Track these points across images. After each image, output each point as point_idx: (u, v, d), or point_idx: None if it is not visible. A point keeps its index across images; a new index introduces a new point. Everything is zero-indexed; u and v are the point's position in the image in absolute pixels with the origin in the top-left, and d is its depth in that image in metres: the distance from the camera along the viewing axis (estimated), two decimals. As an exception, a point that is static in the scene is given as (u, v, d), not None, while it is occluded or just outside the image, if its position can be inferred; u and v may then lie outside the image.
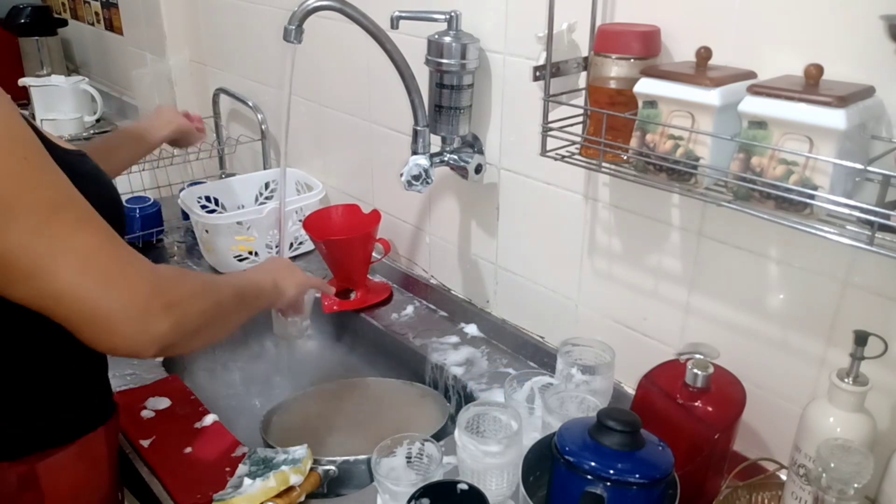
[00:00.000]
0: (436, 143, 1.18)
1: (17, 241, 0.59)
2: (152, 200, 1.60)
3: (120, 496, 0.92)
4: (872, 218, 0.65)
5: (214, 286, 0.78)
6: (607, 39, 0.88)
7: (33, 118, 2.22)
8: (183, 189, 1.64)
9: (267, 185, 1.67)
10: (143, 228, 1.57)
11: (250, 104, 1.73)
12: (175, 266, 0.77)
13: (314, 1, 1.02)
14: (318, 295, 1.39)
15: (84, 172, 0.72)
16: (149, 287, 0.66)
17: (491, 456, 0.85)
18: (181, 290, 0.70)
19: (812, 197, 0.68)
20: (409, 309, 1.38)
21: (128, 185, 1.65)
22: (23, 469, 0.75)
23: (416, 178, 1.11)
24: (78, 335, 0.64)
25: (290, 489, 0.89)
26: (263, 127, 1.73)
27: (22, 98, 2.35)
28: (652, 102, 0.80)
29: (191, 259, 1.56)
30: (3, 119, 0.59)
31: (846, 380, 0.74)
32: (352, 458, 0.97)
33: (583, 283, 1.11)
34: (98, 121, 2.35)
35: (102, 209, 0.66)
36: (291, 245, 1.55)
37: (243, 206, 1.61)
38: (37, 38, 2.54)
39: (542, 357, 1.19)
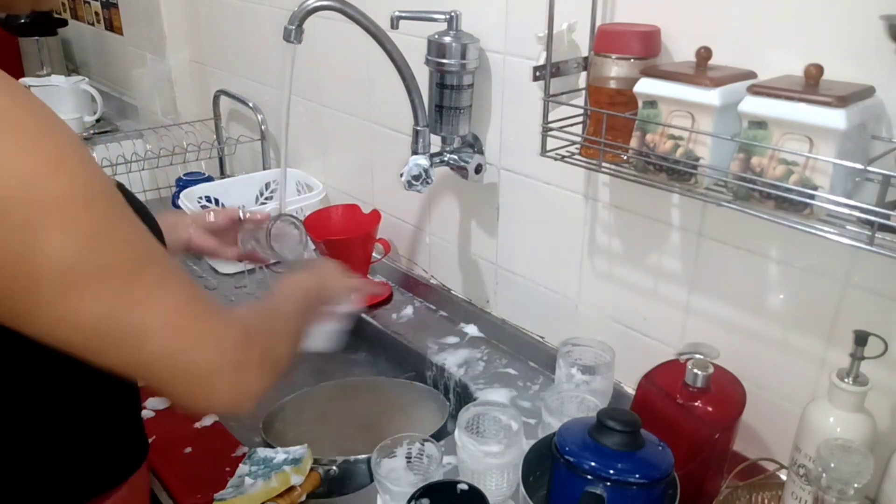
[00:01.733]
0: (436, 143, 1.18)
1: (103, 309, 0.53)
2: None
3: None
4: (872, 218, 0.65)
5: (292, 320, 0.76)
6: (607, 39, 0.88)
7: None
8: (179, 179, 1.64)
9: (267, 186, 1.67)
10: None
11: (250, 104, 1.73)
12: (251, 308, 0.75)
13: (314, 1, 1.02)
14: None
15: (128, 200, 0.66)
16: (242, 339, 0.62)
17: (491, 456, 0.85)
18: (271, 337, 0.68)
19: (812, 197, 0.68)
20: (409, 309, 1.38)
21: (127, 185, 1.65)
22: None
23: (416, 178, 1.11)
24: (173, 398, 0.62)
25: (290, 489, 0.89)
26: (263, 127, 1.73)
27: (22, 98, 2.35)
28: (652, 102, 0.80)
29: (191, 259, 1.56)
30: (79, 167, 0.52)
31: (846, 380, 0.74)
32: (352, 458, 0.97)
33: (583, 283, 1.11)
34: (98, 121, 2.35)
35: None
36: (291, 245, 1.55)
37: (244, 207, 1.61)
38: (37, 38, 2.54)
39: (542, 357, 1.19)
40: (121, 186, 0.66)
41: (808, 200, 0.69)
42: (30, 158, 0.49)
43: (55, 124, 0.52)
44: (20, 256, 0.50)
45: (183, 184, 1.61)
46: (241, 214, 1.09)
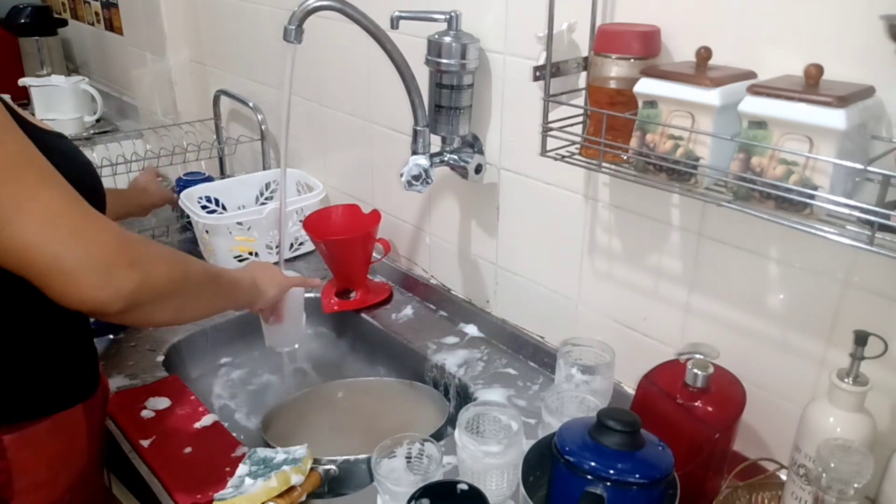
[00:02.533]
0: (436, 143, 1.18)
1: None
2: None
3: (106, 478, 0.92)
4: (872, 218, 0.65)
5: (184, 258, 0.80)
6: (607, 39, 0.88)
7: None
8: (179, 179, 1.64)
9: (268, 186, 1.67)
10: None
11: (250, 104, 1.73)
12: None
13: (314, 1, 1.02)
14: (319, 294, 1.39)
15: (60, 150, 0.73)
16: (114, 242, 0.68)
17: (491, 456, 0.85)
18: (147, 250, 0.72)
19: (812, 197, 0.68)
20: (409, 309, 1.38)
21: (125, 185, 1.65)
22: None
23: (416, 178, 1.11)
24: (45, 290, 0.66)
25: (291, 489, 0.89)
26: (263, 127, 1.73)
27: (22, 98, 2.35)
28: (652, 102, 0.80)
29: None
30: None
31: (846, 380, 0.74)
32: (352, 457, 0.97)
33: (583, 283, 1.11)
34: (98, 121, 2.35)
35: (79, 187, 0.68)
36: (291, 245, 1.56)
37: (244, 207, 1.62)
38: (37, 38, 2.54)
39: (542, 357, 1.19)
40: (60, 133, 0.77)
41: (808, 200, 0.69)
42: None
43: None
44: None
45: (183, 184, 1.61)
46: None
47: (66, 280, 0.65)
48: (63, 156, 0.70)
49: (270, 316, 1.13)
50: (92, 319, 0.88)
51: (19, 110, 0.73)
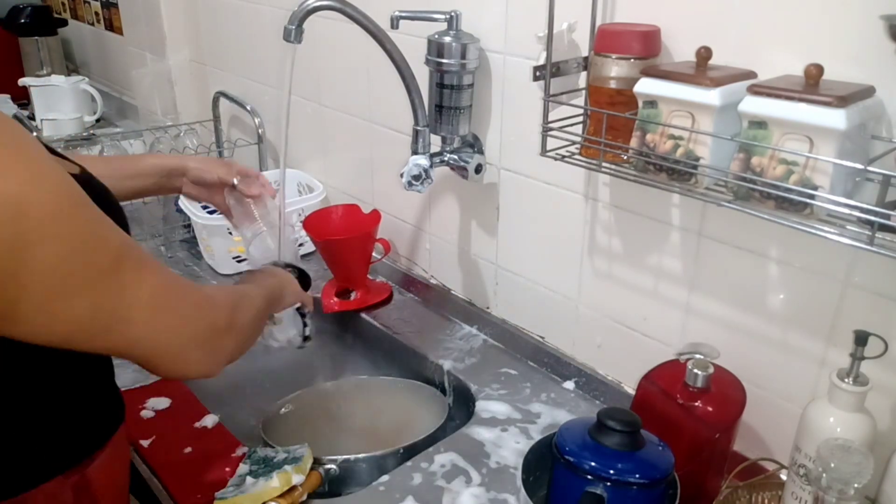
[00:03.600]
0: (436, 143, 1.18)
1: (94, 303, 0.59)
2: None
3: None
4: (872, 218, 0.65)
5: (250, 298, 0.82)
6: (607, 39, 0.88)
7: (33, 118, 2.22)
8: None
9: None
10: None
11: (248, 108, 1.73)
12: (219, 286, 0.83)
13: (314, 1, 1.02)
14: (319, 295, 1.39)
15: (97, 191, 0.70)
16: (212, 316, 0.70)
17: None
18: (236, 311, 0.75)
19: (812, 197, 0.68)
20: (409, 309, 1.38)
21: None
22: (75, 478, 0.73)
23: (417, 178, 1.11)
24: (149, 369, 0.67)
25: (292, 489, 0.89)
26: (261, 131, 1.73)
27: (22, 98, 2.35)
28: (652, 102, 0.80)
29: (192, 259, 1.57)
30: (57, 180, 0.56)
31: (846, 380, 0.74)
32: (352, 457, 0.97)
33: (583, 283, 1.11)
34: (98, 121, 2.35)
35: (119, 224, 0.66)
36: (291, 245, 1.55)
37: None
38: (37, 38, 2.54)
39: (542, 357, 1.19)
40: (86, 172, 0.72)
41: (808, 200, 0.69)
42: (11, 177, 0.52)
43: (25, 139, 0.56)
44: (9, 273, 0.53)
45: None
46: (235, 181, 1.14)
47: (173, 360, 0.67)
48: (100, 196, 0.66)
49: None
50: None
51: (50, 146, 0.68)
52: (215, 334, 0.70)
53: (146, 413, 1.05)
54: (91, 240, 0.58)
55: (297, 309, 1.10)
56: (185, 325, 0.67)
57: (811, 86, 0.70)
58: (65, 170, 0.58)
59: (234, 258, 1.47)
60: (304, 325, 1.12)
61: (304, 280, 1.07)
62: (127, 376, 1.15)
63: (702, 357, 0.84)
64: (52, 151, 0.69)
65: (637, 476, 0.72)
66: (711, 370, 0.84)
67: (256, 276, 0.97)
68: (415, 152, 1.14)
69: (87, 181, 0.72)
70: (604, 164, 0.88)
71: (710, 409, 0.83)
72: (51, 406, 0.71)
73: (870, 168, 0.66)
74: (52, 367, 0.71)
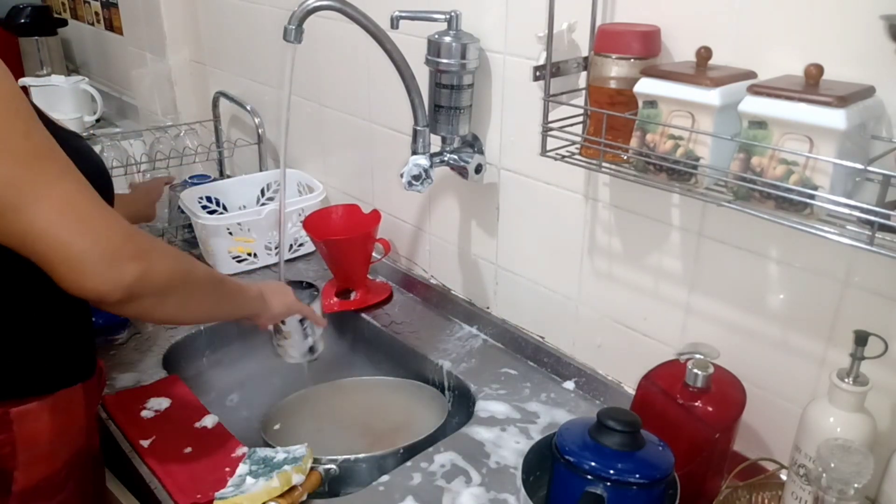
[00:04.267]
0: (436, 143, 1.18)
1: (4, 176, 0.65)
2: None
3: (101, 465, 0.96)
4: (872, 218, 0.65)
5: (188, 257, 0.83)
6: (607, 39, 0.88)
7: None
8: (186, 181, 1.64)
9: (269, 186, 1.67)
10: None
11: (248, 108, 1.73)
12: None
13: (314, 1, 1.02)
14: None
15: (76, 148, 0.75)
16: (121, 234, 0.71)
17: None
18: (153, 245, 0.75)
19: (812, 197, 0.68)
20: (409, 309, 1.38)
21: (125, 186, 1.65)
22: None
23: (417, 178, 1.11)
24: (51, 275, 0.69)
25: (292, 488, 0.89)
26: (260, 131, 1.73)
27: (22, 98, 2.34)
28: (652, 102, 0.80)
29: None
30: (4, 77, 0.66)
31: (846, 380, 0.74)
32: (352, 457, 0.97)
33: (583, 283, 1.11)
34: (98, 121, 2.35)
35: (92, 183, 0.71)
36: (291, 246, 1.55)
37: (245, 207, 1.61)
38: (37, 38, 2.54)
39: (542, 357, 1.19)
40: (76, 133, 0.79)
41: (808, 200, 0.69)
42: None
43: None
44: None
45: (189, 187, 1.61)
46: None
47: (72, 267, 0.68)
48: (78, 153, 0.72)
49: (269, 327, 1.12)
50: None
51: (39, 108, 0.75)
52: (118, 256, 0.70)
53: (146, 413, 1.05)
54: (16, 126, 0.66)
55: (300, 321, 1.10)
56: (91, 230, 0.68)
57: (811, 86, 0.70)
58: (15, 83, 0.68)
59: (233, 258, 1.47)
60: (306, 335, 1.12)
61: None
62: (128, 377, 1.15)
63: (702, 357, 0.84)
64: (46, 119, 0.75)
65: (637, 476, 0.72)
66: (711, 370, 0.84)
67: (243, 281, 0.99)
68: (415, 152, 1.14)
69: (74, 136, 0.79)
70: (604, 164, 0.88)
71: (710, 409, 0.83)
72: (17, 338, 0.77)
73: (870, 168, 0.66)
74: (9, 298, 0.77)
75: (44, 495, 0.85)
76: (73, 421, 0.88)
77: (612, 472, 0.72)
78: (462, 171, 1.20)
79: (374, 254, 1.40)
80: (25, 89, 2.25)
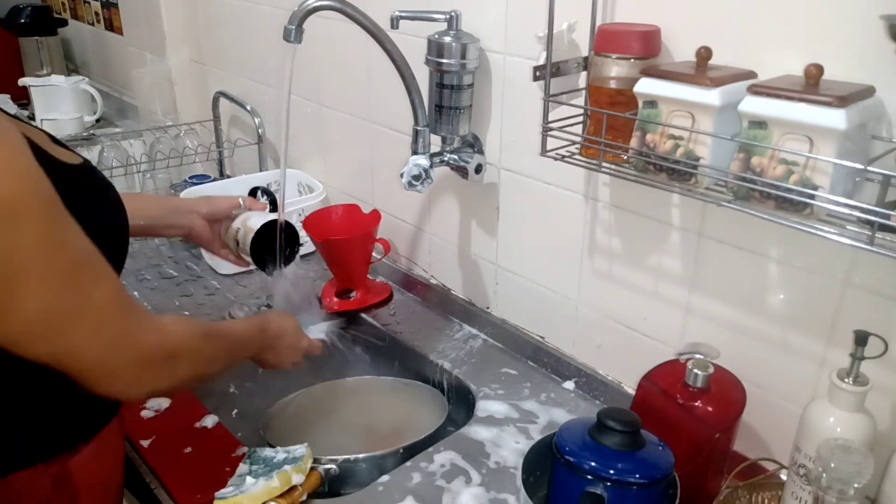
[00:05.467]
0: (436, 143, 1.18)
1: (40, 307, 0.60)
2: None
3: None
4: (872, 218, 0.65)
5: (210, 341, 0.82)
6: (607, 39, 0.88)
7: (33, 118, 2.22)
8: (185, 181, 1.64)
9: (269, 186, 1.66)
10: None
11: (248, 108, 1.73)
12: (179, 317, 0.83)
13: (314, 1, 1.02)
14: (320, 295, 1.39)
15: (87, 186, 0.72)
16: (153, 342, 0.70)
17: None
18: (180, 344, 0.75)
19: (812, 197, 0.68)
20: (409, 309, 1.38)
21: (127, 188, 1.65)
22: (55, 469, 0.75)
23: (417, 178, 1.11)
24: (84, 383, 0.67)
25: (292, 488, 0.89)
26: (260, 131, 1.73)
27: (22, 98, 2.35)
28: (652, 102, 0.80)
29: (192, 259, 1.56)
30: (24, 174, 0.57)
31: (846, 380, 0.74)
32: (352, 457, 0.97)
33: (583, 283, 1.11)
34: (98, 121, 2.35)
35: (105, 231, 0.68)
36: (291, 246, 1.55)
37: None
38: (37, 38, 2.54)
39: (542, 357, 1.19)
40: (88, 164, 0.73)
41: (808, 200, 0.69)
42: None
43: (3, 129, 0.56)
44: None
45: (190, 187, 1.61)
46: (241, 202, 1.14)
47: (105, 379, 0.67)
48: (90, 192, 0.70)
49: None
50: None
51: (41, 142, 0.68)
52: (155, 360, 0.70)
53: (146, 413, 1.05)
54: (50, 237, 0.59)
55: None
56: (127, 344, 0.67)
57: (811, 86, 0.70)
58: (38, 166, 0.58)
59: (234, 258, 1.47)
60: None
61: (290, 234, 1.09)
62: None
63: (702, 357, 0.84)
64: (56, 141, 0.71)
65: (637, 476, 0.72)
66: (711, 370, 0.84)
67: (258, 319, 0.99)
68: (415, 152, 1.14)
69: (86, 172, 0.74)
70: (604, 164, 0.88)
71: (710, 409, 0.83)
72: (36, 394, 0.73)
73: (870, 168, 0.66)
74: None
75: None
76: (118, 454, 0.86)
77: (612, 472, 0.72)
78: (462, 171, 1.20)
79: (374, 254, 1.40)
80: (26, 90, 2.26)
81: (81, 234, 0.63)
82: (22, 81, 2.27)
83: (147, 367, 0.70)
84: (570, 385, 1.14)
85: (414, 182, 1.12)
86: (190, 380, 0.78)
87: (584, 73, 0.97)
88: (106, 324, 0.65)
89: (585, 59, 0.95)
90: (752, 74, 0.79)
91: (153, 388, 0.72)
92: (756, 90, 0.71)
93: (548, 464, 0.78)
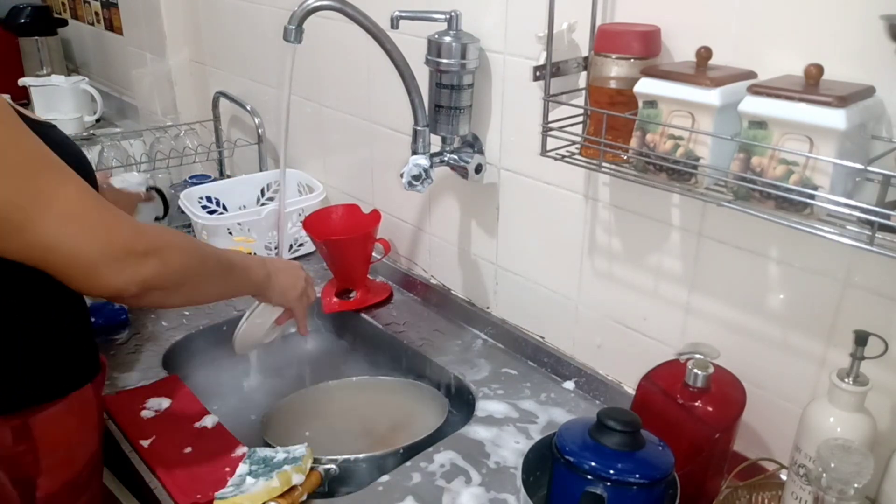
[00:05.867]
0: (436, 143, 1.18)
1: (6, 197, 0.64)
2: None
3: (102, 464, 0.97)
4: (872, 218, 0.65)
5: (198, 246, 0.84)
6: (607, 39, 0.88)
7: (33, 118, 2.22)
8: (185, 181, 1.64)
9: (269, 186, 1.67)
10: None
11: (248, 108, 1.73)
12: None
13: (314, 1, 1.02)
14: (319, 295, 1.39)
15: (54, 140, 0.75)
16: (130, 233, 0.72)
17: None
18: (162, 239, 0.76)
19: (812, 197, 0.68)
20: (409, 309, 1.38)
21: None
22: (17, 423, 0.79)
23: (417, 178, 1.11)
24: (65, 282, 0.70)
25: (292, 488, 0.89)
26: (260, 131, 1.73)
27: (22, 98, 2.35)
28: (652, 102, 0.80)
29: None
30: None
31: (846, 380, 0.74)
32: (352, 457, 0.97)
33: (583, 283, 1.11)
34: (98, 121, 2.35)
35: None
36: (291, 247, 1.55)
37: (245, 207, 1.61)
38: (37, 38, 2.54)
39: (542, 357, 1.19)
40: (48, 124, 0.79)
41: (808, 200, 0.69)
42: None
43: None
44: None
45: (190, 186, 1.61)
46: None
47: (86, 273, 0.69)
48: (58, 146, 0.73)
49: (283, 316, 1.10)
50: (89, 302, 0.91)
51: (12, 104, 0.74)
52: (130, 254, 0.71)
53: (146, 413, 1.05)
54: (8, 141, 0.65)
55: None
56: (100, 236, 0.69)
57: (811, 86, 0.70)
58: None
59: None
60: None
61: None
62: (128, 377, 1.15)
63: (702, 357, 0.84)
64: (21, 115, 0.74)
65: (637, 476, 0.72)
66: (711, 370, 0.84)
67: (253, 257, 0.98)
68: (415, 152, 1.14)
69: (46, 132, 0.77)
70: (604, 164, 0.88)
71: (710, 409, 0.83)
72: (5, 349, 0.76)
73: (870, 168, 0.66)
74: (15, 309, 0.77)
75: (68, 499, 0.86)
76: (88, 421, 0.88)
77: (612, 472, 0.72)
78: (462, 171, 1.20)
79: (374, 254, 1.40)
80: (26, 90, 2.26)
81: (39, 141, 0.68)
82: (22, 81, 2.27)
83: (126, 260, 0.71)
84: (569, 385, 1.14)
85: (414, 182, 1.12)
86: (181, 277, 0.78)
87: (584, 73, 0.97)
88: (74, 218, 0.67)
89: (585, 59, 0.95)
90: (752, 74, 0.79)
91: (136, 280, 0.72)
92: (756, 90, 0.71)
93: (548, 464, 0.78)
